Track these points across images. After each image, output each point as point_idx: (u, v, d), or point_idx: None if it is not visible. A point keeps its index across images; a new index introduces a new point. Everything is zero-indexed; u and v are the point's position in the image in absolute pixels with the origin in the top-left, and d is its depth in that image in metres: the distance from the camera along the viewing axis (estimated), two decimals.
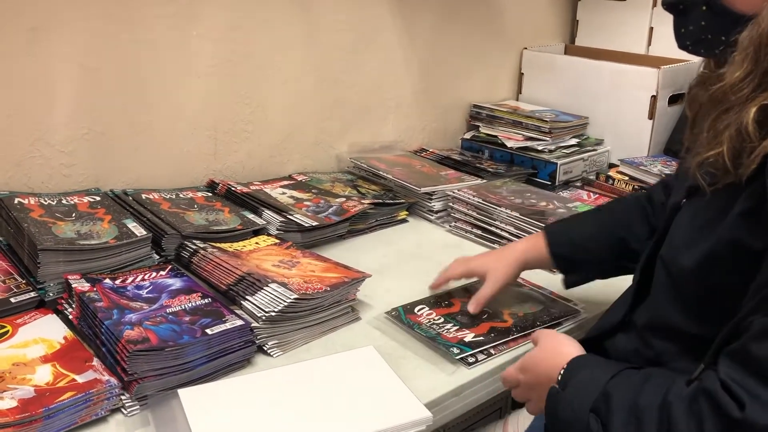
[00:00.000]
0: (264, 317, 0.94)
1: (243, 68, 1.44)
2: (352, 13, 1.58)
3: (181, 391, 0.82)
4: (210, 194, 1.35)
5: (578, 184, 1.69)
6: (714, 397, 0.62)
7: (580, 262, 1.05)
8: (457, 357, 0.94)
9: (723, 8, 0.71)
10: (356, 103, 1.66)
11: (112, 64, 1.24)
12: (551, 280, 1.15)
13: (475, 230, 1.38)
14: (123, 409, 0.82)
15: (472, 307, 1.03)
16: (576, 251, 1.04)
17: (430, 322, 1.02)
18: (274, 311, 0.95)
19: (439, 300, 1.09)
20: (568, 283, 1.07)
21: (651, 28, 1.92)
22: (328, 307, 1.01)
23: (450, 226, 1.43)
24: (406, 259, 1.29)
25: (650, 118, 1.70)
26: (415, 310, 1.06)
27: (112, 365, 0.85)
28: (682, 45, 0.78)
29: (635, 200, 1.06)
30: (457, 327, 1.01)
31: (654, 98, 1.67)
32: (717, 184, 0.70)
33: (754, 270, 0.66)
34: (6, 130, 1.15)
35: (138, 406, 0.83)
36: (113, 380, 0.82)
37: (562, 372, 0.78)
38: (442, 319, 1.03)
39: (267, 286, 0.98)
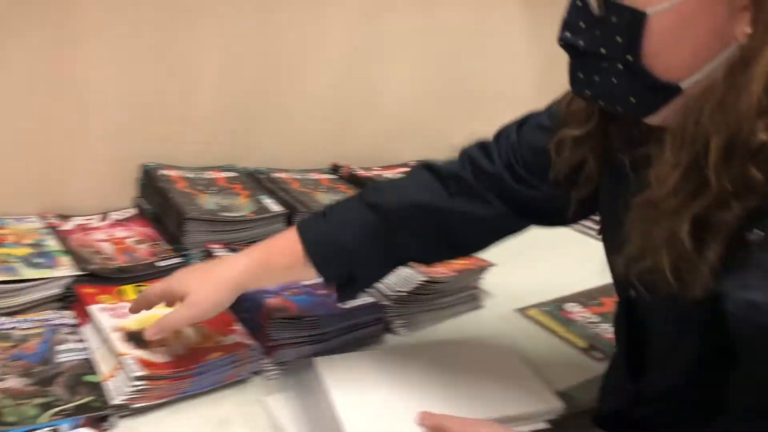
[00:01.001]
0: (393, 296, 0.97)
1: (368, 55, 1.47)
2: (475, 2, 1.59)
3: (317, 359, 0.86)
4: (334, 177, 1.40)
5: None
6: None
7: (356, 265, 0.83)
8: None
9: (642, 71, 0.59)
10: (475, 93, 1.66)
11: (252, 49, 1.30)
12: None
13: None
14: (264, 373, 0.87)
15: (149, 331, 0.79)
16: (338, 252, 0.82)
17: (584, 320, 1.02)
18: (403, 291, 0.97)
19: (589, 299, 1.09)
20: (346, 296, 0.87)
21: None
22: (454, 292, 1.03)
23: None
24: (526, 253, 1.28)
25: None
26: (566, 307, 1.06)
27: (254, 331, 0.90)
28: (578, 91, 0.66)
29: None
30: None
31: None
32: (660, 293, 0.59)
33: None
34: (154, 107, 1.22)
35: (278, 371, 0.87)
36: (256, 344, 0.87)
37: None
38: (597, 318, 1.03)
39: None
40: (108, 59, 1.14)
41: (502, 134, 0.86)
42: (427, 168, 0.87)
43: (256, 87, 1.34)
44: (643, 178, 0.61)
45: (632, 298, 0.72)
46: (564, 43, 0.64)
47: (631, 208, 0.62)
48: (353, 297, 0.88)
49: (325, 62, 1.42)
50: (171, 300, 0.83)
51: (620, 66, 0.60)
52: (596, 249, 1.32)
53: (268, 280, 0.86)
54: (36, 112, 1.10)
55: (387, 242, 0.82)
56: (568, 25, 0.64)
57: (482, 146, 0.86)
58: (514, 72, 1.71)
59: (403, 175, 0.90)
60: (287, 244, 0.83)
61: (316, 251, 0.82)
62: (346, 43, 1.43)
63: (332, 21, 1.39)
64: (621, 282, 0.75)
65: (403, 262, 0.89)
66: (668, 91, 0.59)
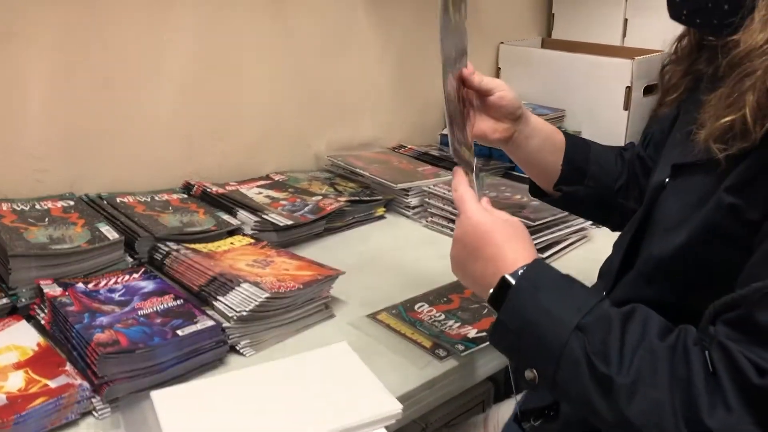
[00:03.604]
0: (235, 317, 0.95)
1: (217, 70, 1.44)
2: (325, 13, 1.59)
3: (153, 393, 0.83)
4: (185, 196, 1.35)
5: None
6: (731, 356, 0.59)
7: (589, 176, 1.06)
8: (463, 354, 0.95)
9: None
10: (333, 101, 1.66)
11: (84, 70, 1.24)
12: None
13: (451, 224, 1.38)
14: (94, 412, 0.82)
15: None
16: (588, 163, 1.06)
17: (431, 319, 1.03)
18: (245, 311, 0.95)
19: (438, 297, 1.10)
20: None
21: (626, 20, 1.94)
22: (301, 305, 1.02)
23: (427, 221, 1.44)
24: (383, 256, 1.30)
25: (625, 109, 1.70)
26: (415, 307, 1.07)
27: (83, 369, 0.85)
28: (676, 14, 0.78)
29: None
30: (459, 323, 1.02)
31: (629, 89, 1.68)
32: (729, 150, 0.67)
33: (753, 239, 0.65)
34: None
35: (109, 409, 0.83)
36: (85, 384, 0.82)
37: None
38: (443, 316, 1.04)
39: (239, 285, 0.99)
40: None
41: None
42: None
43: (94, 109, 1.28)
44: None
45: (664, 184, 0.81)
46: None
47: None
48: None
49: (169, 80, 1.37)
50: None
51: None
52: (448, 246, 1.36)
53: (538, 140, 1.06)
54: None
55: None
56: None
57: None
58: (369, 78, 1.72)
59: None
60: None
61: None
62: (190, 59, 1.39)
63: (171, 30, 1.35)
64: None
65: None
66: None
